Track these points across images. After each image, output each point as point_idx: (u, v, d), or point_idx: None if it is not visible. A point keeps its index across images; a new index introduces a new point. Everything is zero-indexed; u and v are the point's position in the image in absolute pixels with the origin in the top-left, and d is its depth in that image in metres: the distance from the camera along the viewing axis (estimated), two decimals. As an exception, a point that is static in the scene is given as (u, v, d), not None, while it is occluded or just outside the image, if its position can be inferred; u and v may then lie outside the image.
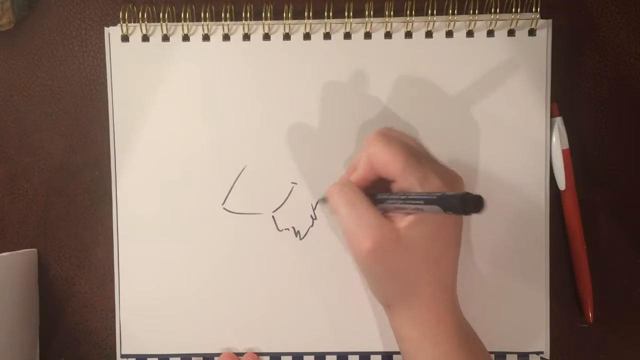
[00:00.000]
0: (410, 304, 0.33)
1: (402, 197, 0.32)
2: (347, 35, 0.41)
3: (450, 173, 0.35)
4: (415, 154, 0.33)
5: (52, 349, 0.43)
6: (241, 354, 0.41)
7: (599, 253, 0.42)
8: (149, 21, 0.41)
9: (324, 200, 0.41)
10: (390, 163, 0.33)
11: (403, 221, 0.32)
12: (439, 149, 0.40)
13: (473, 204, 0.28)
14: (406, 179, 0.32)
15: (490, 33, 0.40)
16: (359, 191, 0.34)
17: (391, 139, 0.34)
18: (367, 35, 0.41)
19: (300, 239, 0.41)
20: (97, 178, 0.42)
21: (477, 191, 0.41)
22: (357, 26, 0.40)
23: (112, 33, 0.41)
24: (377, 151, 0.33)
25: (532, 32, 0.40)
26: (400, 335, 0.34)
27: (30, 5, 0.42)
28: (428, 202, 0.30)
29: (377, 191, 0.35)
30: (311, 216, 0.41)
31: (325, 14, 0.40)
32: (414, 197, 0.31)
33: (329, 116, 0.41)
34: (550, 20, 0.40)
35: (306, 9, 0.40)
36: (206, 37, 0.41)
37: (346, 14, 0.40)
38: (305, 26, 0.40)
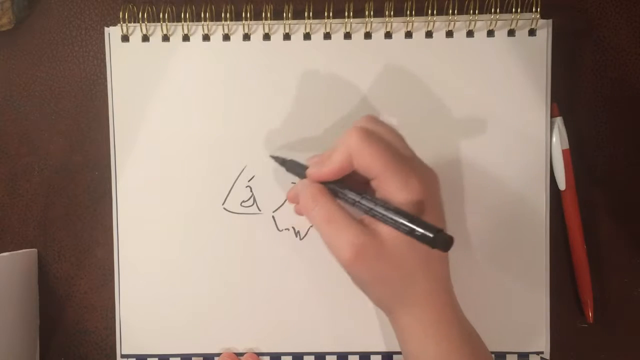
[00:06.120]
0: (409, 303, 0.33)
1: (370, 207, 0.32)
2: (347, 35, 0.41)
3: (429, 172, 0.34)
4: (396, 154, 0.32)
5: (52, 349, 0.43)
6: (241, 354, 0.41)
7: (599, 253, 0.42)
8: (149, 21, 0.41)
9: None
10: (370, 164, 0.32)
11: (385, 226, 0.32)
12: (439, 149, 0.41)
13: (444, 243, 0.29)
14: (386, 183, 0.32)
15: (490, 33, 0.40)
16: (333, 201, 0.33)
17: (373, 139, 0.32)
18: (367, 35, 0.41)
19: (300, 239, 0.41)
20: (97, 178, 0.42)
21: (477, 190, 0.41)
22: (357, 26, 0.40)
23: (112, 33, 0.41)
24: (359, 149, 0.32)
25: (532, 32, 0.40)
26: (404, 338, 0.34)
27: (30, 5, 0.42)
28: (398, 227, 0.30)
29: (351, 184, 0.34)
30: (311, 216, 0.41)
31: (325, 14, 0.40)
32: (382, 215, 0.31)
33: (329, 116, 0.41)
34: (550, 20, 0.40)
35: (306, 9, 0.40)
36: (206, 37, 0.41)
37: (346, 14, 0.40)
38: (305, 26, 0.40)
